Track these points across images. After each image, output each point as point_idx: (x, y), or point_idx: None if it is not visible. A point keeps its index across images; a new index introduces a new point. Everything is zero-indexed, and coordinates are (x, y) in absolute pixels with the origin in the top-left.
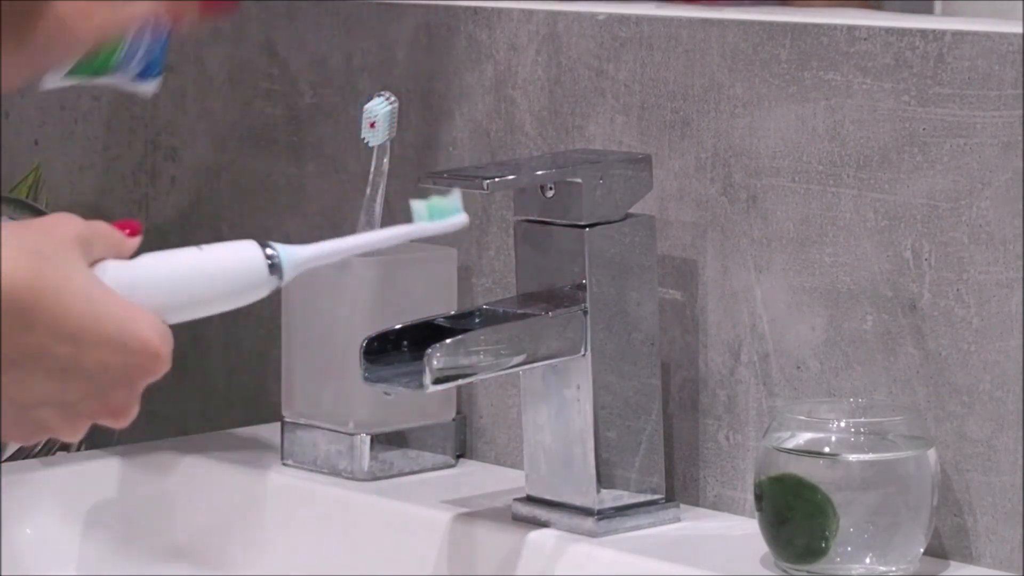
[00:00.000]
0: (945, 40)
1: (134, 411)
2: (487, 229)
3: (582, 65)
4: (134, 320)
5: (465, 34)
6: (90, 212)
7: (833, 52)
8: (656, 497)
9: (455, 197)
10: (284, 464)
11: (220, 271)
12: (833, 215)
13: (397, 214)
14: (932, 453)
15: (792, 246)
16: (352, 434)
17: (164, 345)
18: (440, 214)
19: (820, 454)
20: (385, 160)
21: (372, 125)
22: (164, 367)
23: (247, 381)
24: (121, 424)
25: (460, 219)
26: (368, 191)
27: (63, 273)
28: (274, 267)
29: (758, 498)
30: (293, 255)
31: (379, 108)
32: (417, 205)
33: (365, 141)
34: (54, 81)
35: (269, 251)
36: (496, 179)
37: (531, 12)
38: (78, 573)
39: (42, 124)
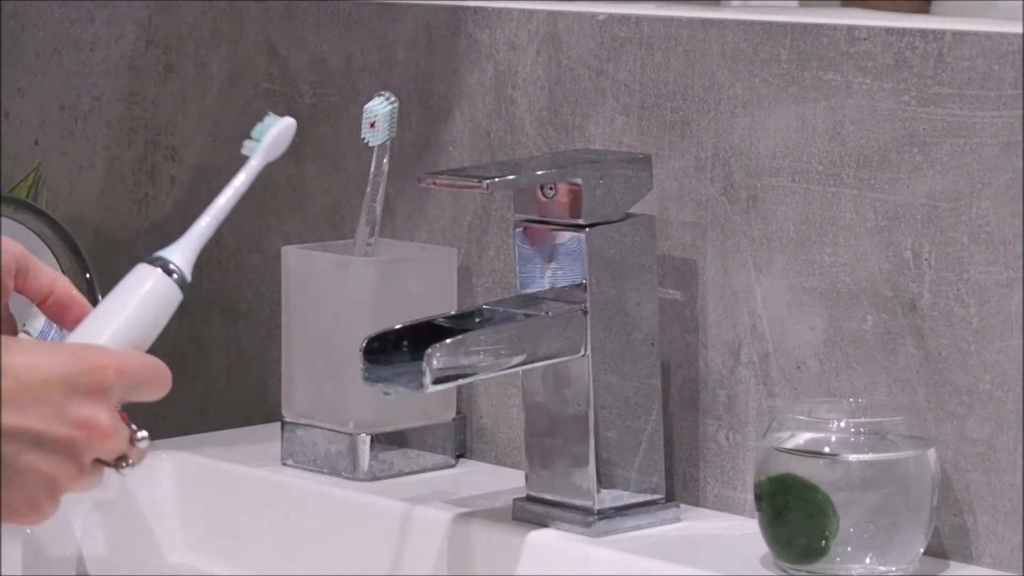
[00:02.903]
0: (945, 40)
1: (99, 479)
2: (487, 229)
3: (582, 65)
4: (87, 349)
5: (465, 34)
6: (90, 212)
7: (833, 52)
8: (656, 497)
9: (270, 116)
10: (284, 464)
11: (143, 308)
12: (833, 215)
13: (397, 214)
14: (932, 453)
15: (792, 246)
16: (352, 434)
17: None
18: (265, 129)
19: (820, 454)
20: (385, 160)
21: (372, 125)
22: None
23: (247, 381)
24: (91, 487)
25: (287, 122)
26: (368, 191)
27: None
28: (181, 281)
29: (758, 498)
30: (184, 255)
31: (379, 108)
32: (247, 143)
33: (365, 141)
34: None
35: (170, 267)
36: (496, 179)
37: (531, 12)
38: (78, 573)
39: (42, 124)
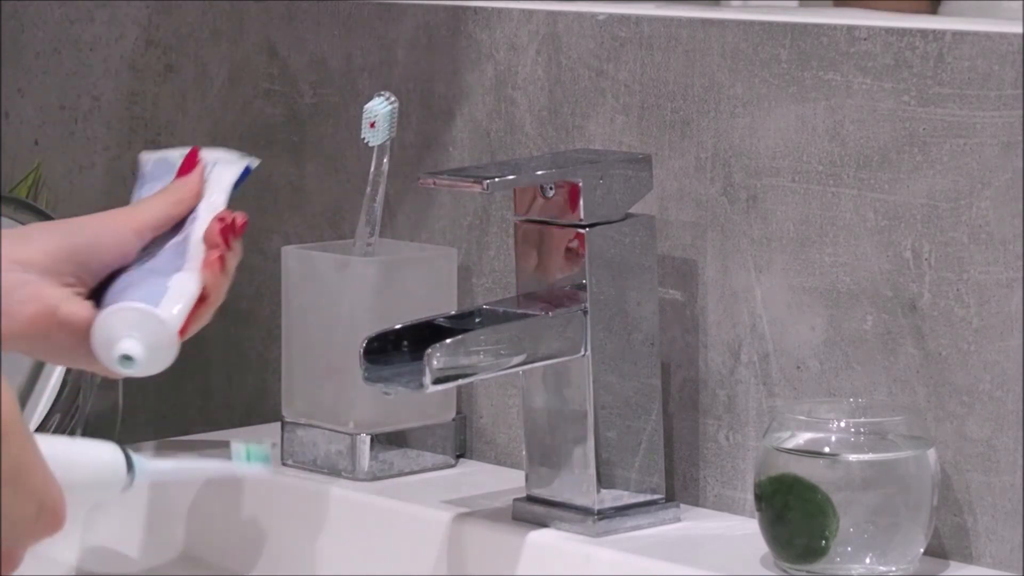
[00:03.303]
0: (945, 40)
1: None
2: (487, 229)
3: (582, 65)
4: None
5: (465, 34)
6: (90, 212)
7: (833, 52)
8: (656, 497)
9: (267, 447)
10: (284, 464)
11: (87, 461)
12: (833, 215)
13: (397, 214)
14: (932, 453)
15: (792, 246)
16: (352, 434)
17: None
18: (256, 457)
19: (820, 454)
20: (385, 160)
21: (372, 125)
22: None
23: (247, 381)
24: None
25: (268, 468)
26: (368, 191)
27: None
28: (130, 467)
29: (758, 498)
30: (143, 464)
31: (379, 108)
32: (236, 446)
33: (365, 141)
34: None
35: (126, 454)
36: (496, 179)
37: (531, 12)
38: (78, 573)
39: (42, 124)
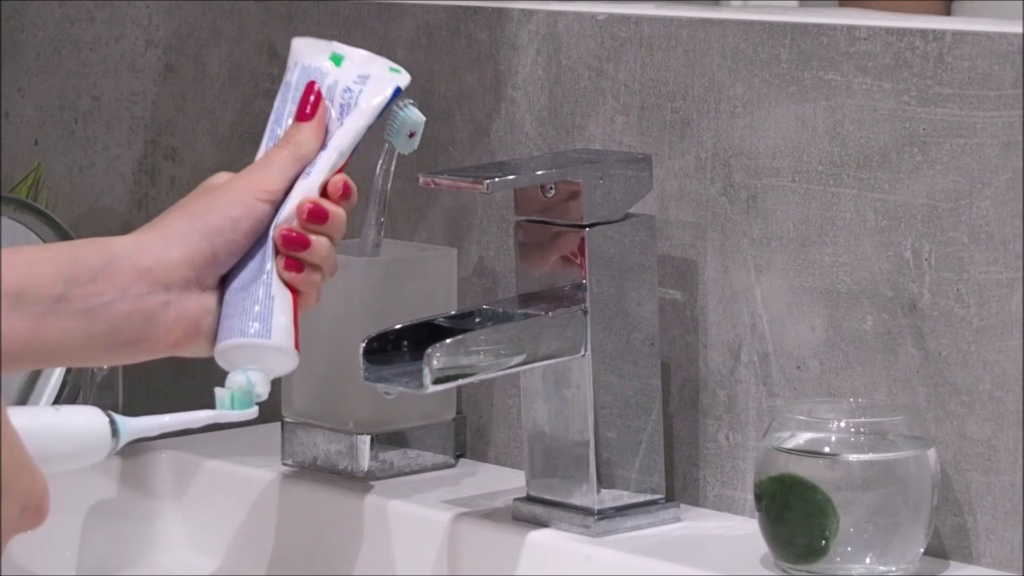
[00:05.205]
0: (945, 40)
1: None
2: (487, 229)
3: (582, 65)
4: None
5: (465, 34)
6: (90, 212)
7: (833, 52)
8: (656, 497)
9: (251, 391)
10: (284, 464)
11: (73, 431)
12: (833, 215)
13: (397, 214)
14: (932, 453)
15: (792, 246)
16: (352, 434)
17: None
18: (240, 403)
19: (820, 454)
20: (393, 163)
21: (412, 135)
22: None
23: None
24: None
25: (254, 410)
26: (378, 191)
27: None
28: (114, 431)
29: (758, 498)
30: (128, 424)
31: (418, 118)
32: (220, 393)
33: (397, 151)
34: None
35: (110, 418)
36: (496, 179)
37: (531, 12)
38: (78, 573)
39: (42, 124)
